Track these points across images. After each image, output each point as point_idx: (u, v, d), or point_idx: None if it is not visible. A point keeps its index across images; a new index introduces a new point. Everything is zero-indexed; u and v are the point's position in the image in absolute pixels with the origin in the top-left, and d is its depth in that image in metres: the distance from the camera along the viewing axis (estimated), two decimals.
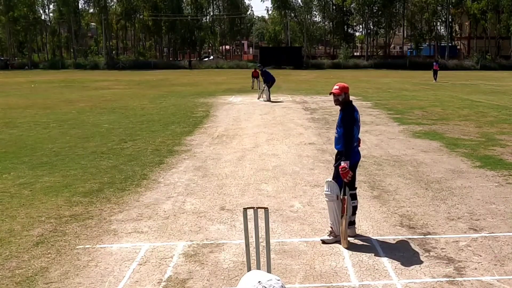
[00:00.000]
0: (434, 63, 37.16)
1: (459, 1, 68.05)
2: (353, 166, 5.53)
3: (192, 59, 71.73)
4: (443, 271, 4.60)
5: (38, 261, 4.88)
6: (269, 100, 20.95)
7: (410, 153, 10.00)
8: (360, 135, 5.73)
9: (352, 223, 5.58)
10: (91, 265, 4.79)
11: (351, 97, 5.65)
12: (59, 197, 7.01)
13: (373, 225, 5.83)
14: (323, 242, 5.40)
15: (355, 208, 5.63)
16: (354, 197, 5.63)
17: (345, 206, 5.35)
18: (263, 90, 21.57)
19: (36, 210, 6.45)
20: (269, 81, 21.27)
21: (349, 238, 5.36)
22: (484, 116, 15.74)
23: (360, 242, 5.31)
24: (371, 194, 7.11)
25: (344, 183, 5.36)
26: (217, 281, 4.45)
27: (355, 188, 5.69)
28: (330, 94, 5.62)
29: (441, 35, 74.22)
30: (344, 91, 5.55)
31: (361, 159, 9.06)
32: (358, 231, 5.60)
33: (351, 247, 5.17)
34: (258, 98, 21.61)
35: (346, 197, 5.41)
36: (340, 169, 5.30)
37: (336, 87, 5.58)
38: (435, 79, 34.99)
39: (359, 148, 5.74)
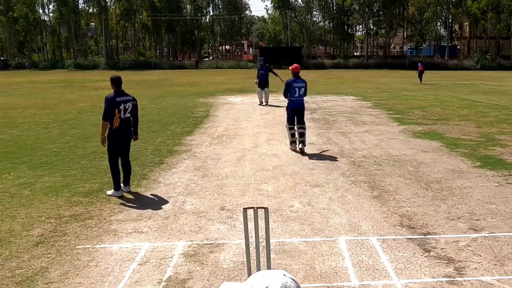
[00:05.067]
0: (419, 64, 34.27)
1: (459, 1, 68.05)
2: (292, 110, 10.20)
3: (198, 59, 71.48)
4: (443, 271, 4.60)
5: (38, 261, 4.88)
6: (266, 102, 19.23)
7: (410, 153, 10.00)
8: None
9: (301, 142, 10.07)
10: (91, 265, 4.79)
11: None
12: (59, 197, 7.01)
13: (373, 225, 5.83)
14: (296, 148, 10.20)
15: (300, 134, 10.08)
16: (301, 133, 10.09)
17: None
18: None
19: (36, 210, 6.45)
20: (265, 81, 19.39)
21: (346, 238, 5.39)
22: (484, 116, 15.74)
23: (360, 242, 5.31)
24: (371, 194, 7.11)
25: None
26: (217, 281, 4.45)
27: (294, 123, 10.19)
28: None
29: (441, 35, 74.24)
30: (291, 69, 10.30)
31: (361, 159, 9.10)
32: (357, 231, 5.62)
33: (351, 247, 5.17)
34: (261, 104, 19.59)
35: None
36: None
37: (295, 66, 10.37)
38: (420, 80, 32.61)
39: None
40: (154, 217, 6.19)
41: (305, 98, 10.48)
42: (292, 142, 10.22)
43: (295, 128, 10.20)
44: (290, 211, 6.39)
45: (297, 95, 10.16)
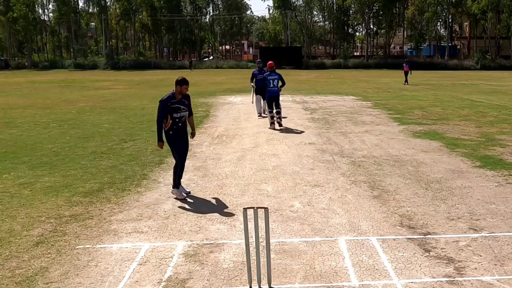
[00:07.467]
0: (404, 64, 32.85)
1: (459, 1, 68.04)
2: (269, 97, 13.28)
3: (192, 59, 71.29)
4: (443, 271, 4.60)
5: (38, 261, 4.88)
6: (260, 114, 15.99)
7: (410, 153, 10.00)
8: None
9: (277, 119, 13.20)
10: (91, 265, 4.79)
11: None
12: (59, 197, 7.01)
13: (373, 225, 5.83)
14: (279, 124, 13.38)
15: (277, 113, 13.20)
16: (278, 112, 13.26)
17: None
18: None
19: (36, 210, 6.45)
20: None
21: (346, 238, 5.39)
22: (484, 116, 15.74)
23: (360, 242, 5.31)
24: (371, 194, 7.11)
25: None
26: (217, 281, 4.45)
27: (272, 108, 13.19)
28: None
29: (441, 35, 74.24)
30: (267, 66, 13.62)
31: (361, 159, 9.16)
32: (357, 231, 5.63)
33: (351, 247, 5.17)
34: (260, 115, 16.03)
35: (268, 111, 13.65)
36: None
37: (269, 62, 13.62)
38: (406, 81, 31.49)
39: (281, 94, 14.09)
40: (154, 217, 6.19)
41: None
42: (272, 123, 13.10)
43: (274, 111, 13.19)
44: (290, 211, 6.39)
45: (271, 85, 13.27)
